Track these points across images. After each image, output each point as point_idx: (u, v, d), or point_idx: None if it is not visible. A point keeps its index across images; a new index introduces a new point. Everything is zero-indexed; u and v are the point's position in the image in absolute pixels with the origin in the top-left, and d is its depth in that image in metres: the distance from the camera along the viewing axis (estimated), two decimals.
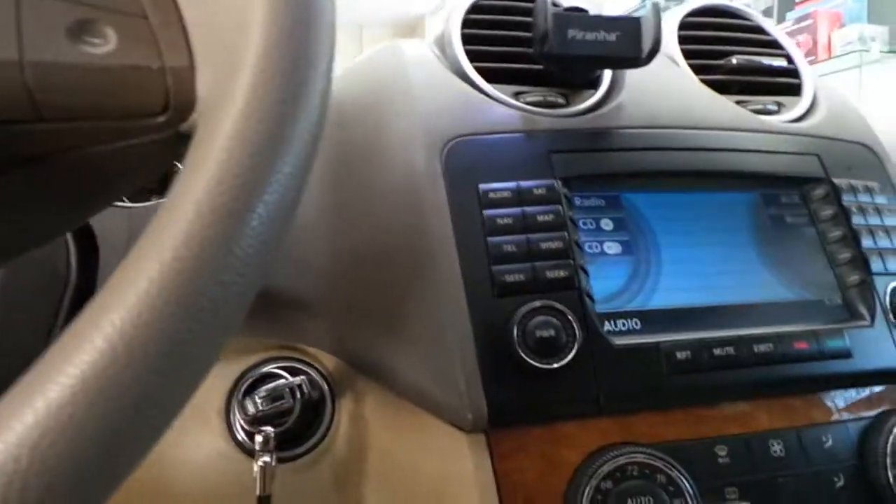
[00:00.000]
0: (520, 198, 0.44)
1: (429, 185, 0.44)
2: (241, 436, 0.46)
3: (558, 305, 0.41)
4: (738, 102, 0.55)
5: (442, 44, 0.53)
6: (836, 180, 0.51)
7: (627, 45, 0.47)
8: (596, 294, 0.44)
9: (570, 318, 0.41)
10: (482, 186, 0.44)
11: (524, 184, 0.44)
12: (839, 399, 0.45)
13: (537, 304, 0.41)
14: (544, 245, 0.43)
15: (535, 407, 0.40)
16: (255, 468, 0.41)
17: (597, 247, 0.46)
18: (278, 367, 0.48)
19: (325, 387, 0.49)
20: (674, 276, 0.46)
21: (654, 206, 0.48)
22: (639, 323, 0.44)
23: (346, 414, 0.48)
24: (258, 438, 0.41)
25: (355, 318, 0.46)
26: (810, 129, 0.54)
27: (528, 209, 0.44)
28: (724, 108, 0.53)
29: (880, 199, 0.52)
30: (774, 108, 0.56)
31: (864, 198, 0.51)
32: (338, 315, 0.47)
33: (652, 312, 0.44)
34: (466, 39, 0.52)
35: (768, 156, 0.51)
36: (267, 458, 0.41)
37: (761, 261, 0.48)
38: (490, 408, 0.39)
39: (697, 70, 0.57)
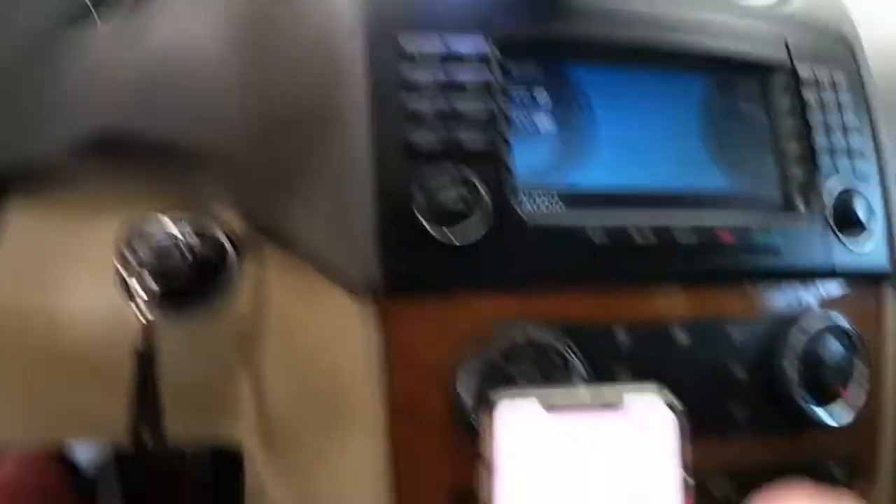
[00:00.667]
0: (444, 55, 0.40)
1: (345, 33, 0.39)
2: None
3: (472, 176, 0.38)
4: None
5: None
6: (799, 69, 0.47)
7: None
8: (520, 169, 0.40)
9: (481, 190, 0.38)
10: (403, 38, 0.39)
11: (452, 39, 0.40)
12: (760, 294, 0.43)
13: (446, 171, 0.38)
14: (465, 110, 0.39)
15: (434, 278, 0.38)
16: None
17: (527, 119, 0.42)
18: (176, 222, 0.45)
19: (229, 246, 0.46)
20: (607, 158, 0.43)
21: (597, 81, 0.44)
22: (562, 203, 0.41)
23: (249, 275, 0.46)
24: (141, 294, 0.39)
25: (259, 175, 0.43)
26: (782, 14, 0.49)
27: (453, 69, 0.39)
28: None
29: (844, 96, 0.48)
30: None
31: (827, 92, 0.47)
32: (242, 172, 0.43)
33: (578, 193, 0.41)
34: None
35: (731, 37, 0.47)
36: (150, 316, 0.39)
37: (705, 149, 0.45)
38: (384, 274, 0.37)
39: None
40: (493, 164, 0.39)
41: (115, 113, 0.42)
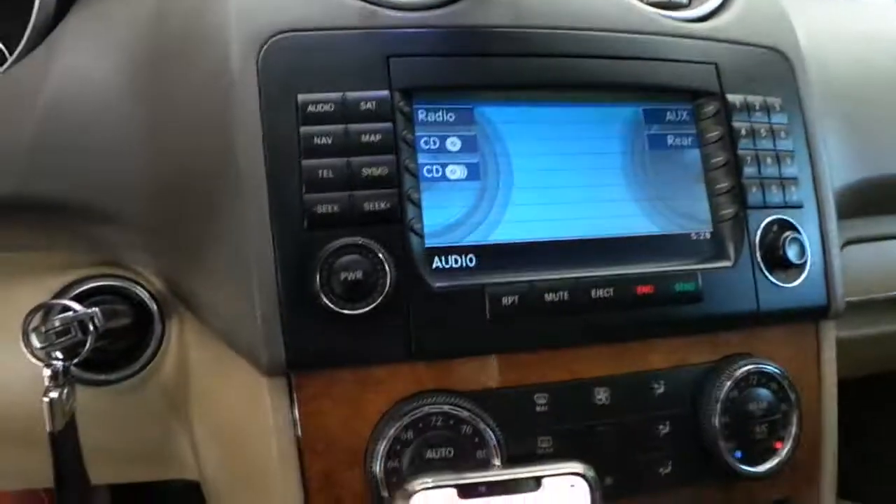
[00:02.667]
0: (344, 112, 0.38)
1: (240, 92, 0.37)
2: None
3: (371, 243, 0.36)
4: None
5: None
6: (730, 96, 0.45)
7: None
8: (427, 226, 0.39)
9: (382, 257, 0.36)
10: (302, 97, 0.37)
11: (351, 95, 0.38)
12: (682, 345, 0.42)
13: (346, 241, 0.36)
14: (366, 171, 0.37)
15: (339, 351, 0.37)
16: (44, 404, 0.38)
17: (437, 170, 0.40)
18: (100, 284, 0.44)
19: (154, 307, 0.45)
20: (523, 206, 0.41)
21: (513, 121, 0.42)
22: (474, 259, 0.40)
23: (174, 335, 0.45)
24: (46, 372, 0.38)
25: (164, 238, 0.41)
26: (714, 30, 0.47)
27: (353, 126, 0.38)
28: (615, 4, 0.45)
29: (778, 119, 0.46)
30: (684, 0, 0.48)
31: (758, 117, 0.45)
32: (148, 234, 0.42)
33: (491, 247, 0.40)
34: None
35: (658, 63, 0.44)
36: (54, 395, 0.38)
37: (630, 188, 0.43)
38: (288, 351, 0.36)
39: None
40: (397, 226, 0.37)
41: (8, 178, 0.40)
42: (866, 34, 0.63)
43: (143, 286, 0.44)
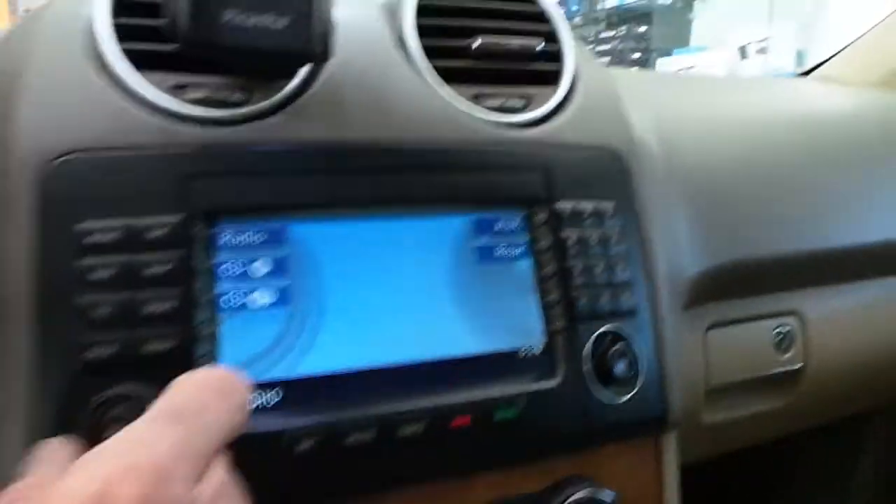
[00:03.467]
0: (129, 241, 0.35)
1: (14, 217, 0.34)
2: None
3: (148, 391, 0.33)
4: (476, 97, 0.47)
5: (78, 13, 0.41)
6: (559, 203, 0.44)
7: (298, 34, 0.37)
8: (225, 362, 0.36)
9: None
10: (81, 226, 0.34)
11: (138, 222, 0.35)
12: (505, 474, 0.40)
13: (119, 390, 0.33)
14: (150, 307, 0.34)
15: None
16: None
17: (240, 298, 0.37)
18: None
19: None
20: (336, 333, 0.39)
21: (331, 239, 0.40)
22: (280, 395, 0.37)
23: None
24: None
25: None
26: (545, 134, 0.47)
27: (138, 257, 0.35)
28: (441, 111, 0.44)
29: (611, 223, 0.46)
30: (519, 104, 0.48)
31: (590, 223, 0.45)
32: None
33: (298, 381, 0.37)
34: (118, 8, 0.40)
35: (485, 173, 0.44)
36: None
37: (455, 306, 0.41)
38: None
39: (437, 54, 0.47)
40: (182, 368, 0.34)
41: None
42: (711, 117, 0.65)
43: None
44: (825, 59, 0.95)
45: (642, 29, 3.61)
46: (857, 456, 0.91)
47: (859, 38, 0.91)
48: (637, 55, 3.61)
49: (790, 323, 0.62)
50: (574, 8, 4.04)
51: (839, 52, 0.93)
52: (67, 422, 0.32)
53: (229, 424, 0.27)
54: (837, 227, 0.65)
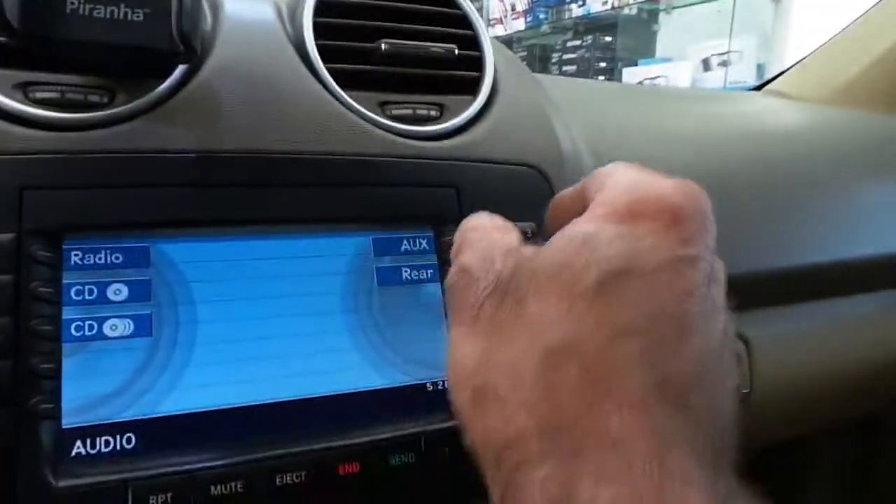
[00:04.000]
0: None
1: None
2: None
3: None
4: (381, 104, 0.42)
5: None
6: None
7: (157, 29, 0.32)
8: (69, 401, 0.31)
9: None
10: None
11: None
12: None
13: None
14: None
15: None
16: None
17: (92, 327, 0.32)
18: None
19: None
20: (206, 366, 0.34)
21: (202, 259, 0.35)
22: (133, 439, 0.32)
23: None
24: None
25: None
26: (458, 148, 0.42)
27: None
28: (340, 118, 0.40)
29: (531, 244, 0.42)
30: (431, 113, 0.44)
31: None
32: None
33: (158, 421, 0.32)
34: None
35: (389, 189, 0.39)
36: None
37: (352, 335, 0.37)
38: None
39: (339, 58, 0.42)
40: (11, 411, 0.29)
41: None
42: (654, 128, 0.62)
43: None
44: (777, 74, 0.93)
45: (608, 39, 3.62)
46: (803, 479, 0.89)
47: (810, 54, 0.90)
48: (603, 64, 3.63)
49: (736, 347, 0.59)
50: (541, 17, 4.04)
51: (791, 67, 0.92)
52: None
53: None
54: (783, 247, 0.62)
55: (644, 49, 3.49)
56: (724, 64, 2.88)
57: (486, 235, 0.28)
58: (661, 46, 3.49)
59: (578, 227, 0.24)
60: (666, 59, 3.28)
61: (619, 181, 0.26)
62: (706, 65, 2.99)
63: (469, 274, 0.26)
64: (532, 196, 0.43)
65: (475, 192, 0.41)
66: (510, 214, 0.41)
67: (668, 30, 3.49)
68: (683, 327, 0.22)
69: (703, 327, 0.22)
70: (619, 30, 3.60)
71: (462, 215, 0.39)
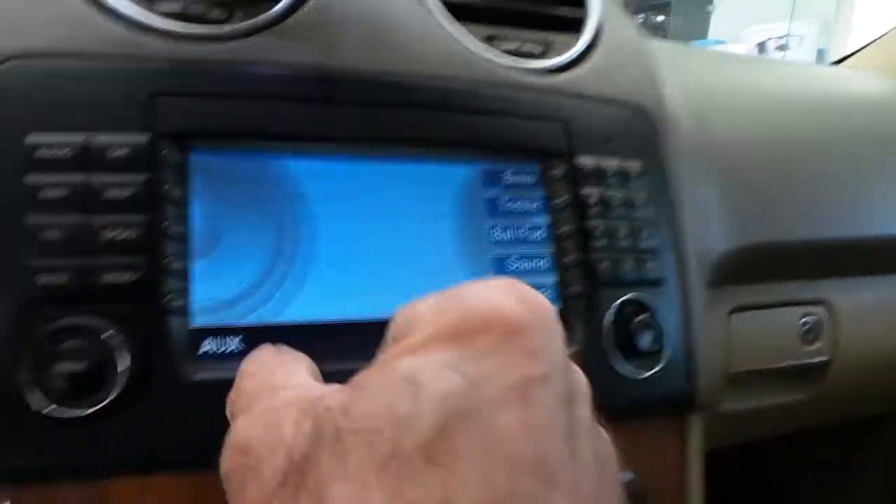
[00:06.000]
0: (86, 159, 0.30)
1: None
2: None
3: (104, 325, 0.28)
4: (489, 38, 0.42)
5: None
6: (580, 158, 0.40)
7: None
8: (197, 302, 0.31)
9: (116, 343, 0.28)
10: (32, 138, 0.30)
11: (98, 139, 0.30)
12: None
13: (71, 321, 0.28)
14: (108, 233, 0.30)
15: (54, 465, 0.28)
16: None
17: (216, 234, 0.33)
18: None
19: None
20: (325, 279, 0.34)
21: (321, 176, 0.35)
22: (255, 343, 0.32)
23: None
24: None
25: None
26: (566, 84, 0.42)
27: (96, 178, 0.30)
28: (449, 48, 0.39)
29: (636, 185, 0.41)
30: (537, 49, 0.43)
31: (613, 182, 0.40)
32: None
33: (279, 328, 0.33)
34: None
35: (499, 119, 0.39)
36: None
37: (461, 261, 0.37)
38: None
39: None
40: (145, 304, 0.29)
41: None
42: (745, 94, 0.60)
43: None
44: (852, 51, 0.90)
45: (660, 18, 3.54)
46: (864, 461, 0.87)
47: (885, 34, 0.87)
48: None
49: (818, 313, 0.58)
50: None
51: (865, 46, 0.89)
52: (15, 352, 0.27)
53: None
54: (871, 216, 0.60)
55: (697, 30, 3.41)
56: (782, 48, 2.81)
57: (267, 384, 0.21)
58: (715, 28, 3.41)
59: (395, 362, 0.18)
60: (719, 41, 3.20)
61: (431, 302, 0.19)
62: (762, 48, 2.91)
63: (248, 455, 0.18)
64: (638, 135, 0.43)
65: (582, 127, 0.40)
66: (615, 151, 0.40)
67: (723, 11, 3.40)
68: (546, 478, 0.16)
69: (570, 473, 0.16)
70: (672, 10, 3.52)
71: (570, 150, 0.39)
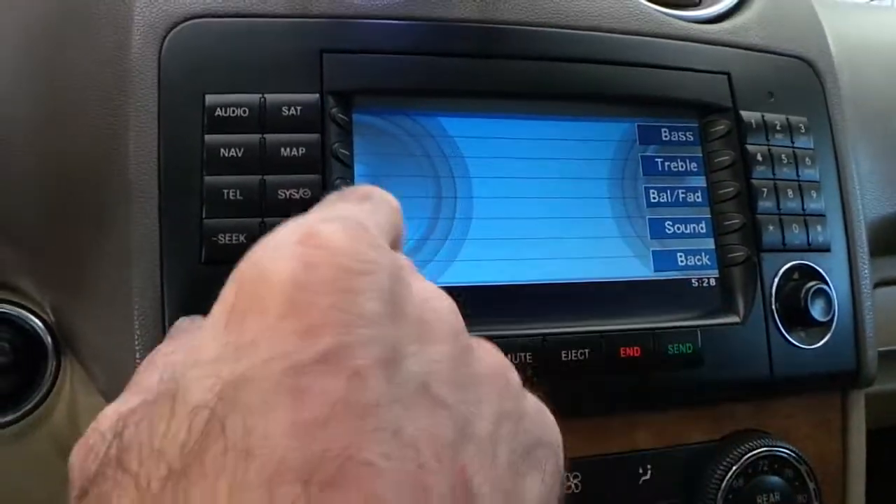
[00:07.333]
0: (262, 119, 0.30)
1: (137, 87, 0.30)
2: None
3: None
4: None
5: None
6: (745, 112, 0.37)
7: None
8: None
9: None
10: (211, 98, 0.30)
11: (272, 98, 0.31)
12: (674, 418, 0.34)
13: None
14: (284, 193, 0.30)
15: None
16: None
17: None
18: None
19: (49, 339, 0.38)
20: (483, 241, 0.33)
21: (478, 135, 0.34)
22: None
23: (69, 371, 0.38)
24: None
25: (50, 267, 0.34)
26: (728, 33, 0.39)
27: (271, 137, 0.30)
28: None
29: (803, 143, 0.38)
30: None
31: (779, 140, 0.38)
32: (36, 257, 0.35)
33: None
34: None
35: (658, 71, 0.37)
36: None
37: (618, 222, 0.35)
38: None
39: None
40: None
41: None
42: None
43: (37, 314, 0.37)
44: None
45: None
46: None
47: None
48: None
49: None
50: None
51: None
52: (190, 310, 0.29)
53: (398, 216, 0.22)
54: None
55: None
56: None
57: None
58: None
59: (160, 359, 0.17)
60: None
61: (247, 259, 0.16)
62: None
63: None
64: (806, 91, 0.40)
65: (747, 80, 0.38)
66: (780, 106, 0.38)
67: None
68: (323, 479, 0.12)
69: (373, 466, 0.13)
70: None
71: (735, 104, 0.37)
